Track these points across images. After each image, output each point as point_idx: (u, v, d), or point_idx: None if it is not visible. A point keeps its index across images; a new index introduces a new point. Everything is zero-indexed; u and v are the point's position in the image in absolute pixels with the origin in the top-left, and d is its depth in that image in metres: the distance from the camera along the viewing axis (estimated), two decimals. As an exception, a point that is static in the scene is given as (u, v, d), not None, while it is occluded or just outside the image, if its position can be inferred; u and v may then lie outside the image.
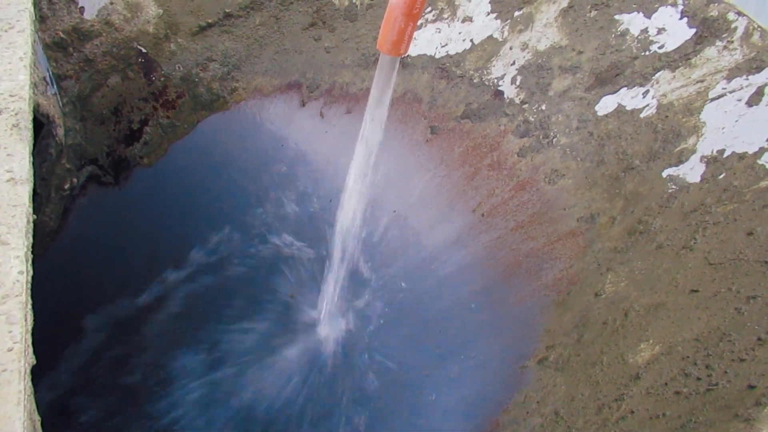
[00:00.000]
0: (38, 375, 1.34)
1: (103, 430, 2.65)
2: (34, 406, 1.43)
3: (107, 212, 3.09)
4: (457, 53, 2.94)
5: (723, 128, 2.28)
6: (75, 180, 3.05)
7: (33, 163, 2.85)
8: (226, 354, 2.85)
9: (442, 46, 2.96)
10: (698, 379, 1.68)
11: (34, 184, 2.90)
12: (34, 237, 2.67)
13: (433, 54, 2.99)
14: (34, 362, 1.31)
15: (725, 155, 2.24)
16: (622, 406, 1.78)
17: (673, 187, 2.32)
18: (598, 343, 2.09)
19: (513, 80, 2.82)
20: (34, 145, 2.88)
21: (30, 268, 1.38)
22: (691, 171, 2.30)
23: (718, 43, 2.38)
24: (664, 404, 1.68)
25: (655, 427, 1.63)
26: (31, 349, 1.24)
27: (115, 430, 2.65)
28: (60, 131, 2.91)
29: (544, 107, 2.73)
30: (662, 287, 2.06)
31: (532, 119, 2.75)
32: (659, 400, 1.71)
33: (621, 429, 1.70)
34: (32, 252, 2.67)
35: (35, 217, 1.54)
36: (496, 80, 2.86)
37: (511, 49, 2.83)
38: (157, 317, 2.98)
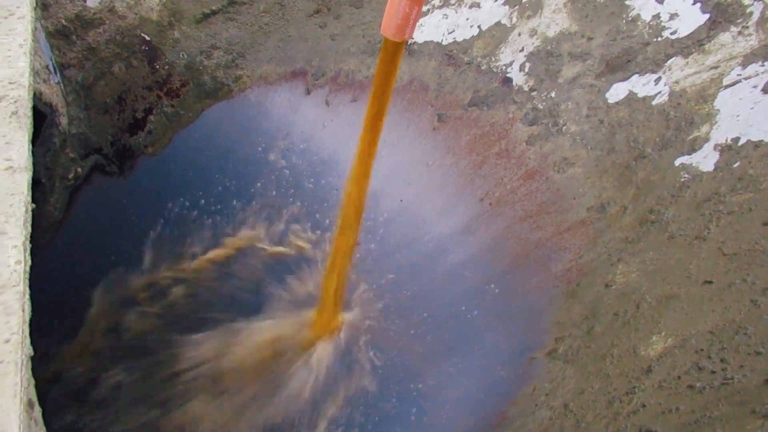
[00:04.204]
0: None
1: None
2: (34, 397, 1.41)
3: (112, 202, 3.08)
4: (464, 40, 2.90)
5: (738, 116, 2.24)
6: (79, 169, 3.04)
7: (36, 152, 2.84)
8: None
9: (449, 33, 2.92)
10: (712, 372, 1.65)
11: (39, 174, 2.90)
12: (36, 227, 2.65)
13: (440, 41, 2.95)
14: (32, 353, 1.29)
15: (740, 143, 2.19)
16: (634, 399, 1.75)
17: (686, 175, 2.27)
18: (609, 335, 2.06)
19: (521, 67, 2.78)
20: (38, 135, 2.88)
21: (28, 258, 1.35)
22: (705, 159, 2.25)
23: (733, 28, 2.33)
24: (677, 398, 1.65)
25: (667, 421, 1.60)
26: (28, 341, 1.22)
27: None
28: (63, 120, 2.89)
29: (553, 94, 2.69)
30: (675, 278, 2.02)
31: (541, 107, 2.70)
32: (672, 394, 1.67)
33: (632, 423, 1.67)
34: (36, 242, 2.65)
35: (34, 206, 1.51)
36: (504, 67, 2.82)
37: (519, 35, 2.78)
38: (162, 306, 2.96)
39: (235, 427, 2.59)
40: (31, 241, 2.87)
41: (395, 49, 1.78)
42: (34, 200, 2.89)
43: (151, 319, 2.92)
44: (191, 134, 3.20)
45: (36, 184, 2.85)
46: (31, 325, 1.31)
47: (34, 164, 2.83)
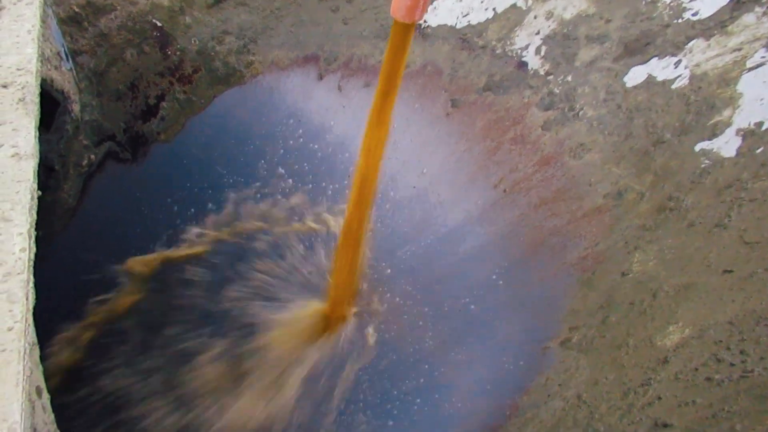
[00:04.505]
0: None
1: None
2: (42, 384, 1.41)
3: (126, 188, 3.08)
4: (479, 23, 2.84)
5: (761, 99, 2.17)
6: (93, 156, 3.04)
7: (49, 140, 2.85)
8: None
9: (464, 16, 2.86)
10: (732, 365, 1.60)
11: (52, 161, 2.90)
12: (50, 214, 2.67)
13: (454, 24, 2.89)
14: (36, 341, 1.29)
15: (764, 128, 2.13)
16: (649, 391, 1.71)
17: (707, 161, 2.21)
18: (624, 324, 2.01)
19: (537, 50, 2.72)
20: (51, 122, 2.88)
21: (33, 246, 1.34)
22: (726, 145, 2.19)
23: (757, 9, 2.27)
24: (694, 391, 1.61)
25: (683, 415, 1.56)
26: (31, 329, 1.21)
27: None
28: (76, 107, 2.89)
29: (569, 79, 2.63)
30: (693, 267, 1.97)
31: (557, 91, 2.64)
32: (689, 386, 1.63)
33: (647, 415, 1.63)
34: (50, 229, 2.66)
35: (40, 193, 1.50)
36: (519, 51, 2.76)
37: (535, 18, 2.72)
38: (175, 291, 2.96)
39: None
40: (45, 228, 2.88)
41: (405, 32, 1.74)
42: (48, 187, 2.91)
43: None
44: (204, 120, 3.19)
45: (50, 172, 2.87)
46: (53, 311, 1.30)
47: (48, 151, 2.85)
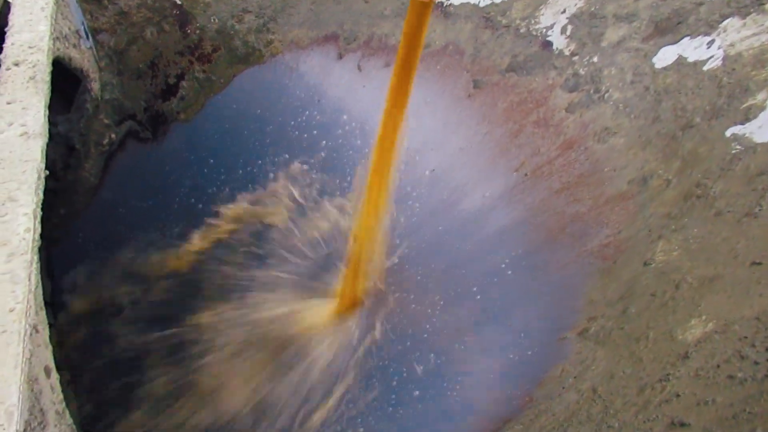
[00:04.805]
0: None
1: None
2: (51, 363, 1.41)
3: (146, 167, 3.09)
4: (502, 1, 2.77)
5: (799, 82, 2.06)
6: (114, 135, 3.05)
7: (70, 119, 2.86)
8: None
9: (487, -6, 2.79)
10: (756, 363, 1.53)
11: (73, 140, 2.91)
12: (72, 192, 2.68)
13: (477, 2, 2.82)
14: (46, 321, 1.29)
15: (800, 112, 2.02)
16: (667, 387, 1.65)
17: (738, 147, 2.11)
18: (645, 316, 1.94)
19: (563, 30, 2.63)
20: (72, 101, 2.89)
21: (38, 226, 1.33)
22: (759, 130, 2.09)
23: (798, -15, 2.14)
24: (714, 389, 1.54)
25: (702, 414, 1.49)
26: (33, 310, 1.20)
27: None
28: (95, 86, 2.89)
29: (596, 59, 2.53)
30: (720, 258, 1.89)
31: (583, 72, 2.55)
32: (709, 384, 1.57)
33: (664, 413, 1.57)
34: (72, 208, 2.67)
35: (47, 172, 1.49)
36: (544, 30, 2.67)
37: (562, -5, 2.63)
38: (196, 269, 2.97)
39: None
40: (67, 207, 2.90)
41: (422, 11, 1.67)
42: (69, 166, 2.92)
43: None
44: (223, 100, 3.17)
45: (71, 151, 2.89)
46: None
47: (69, 130, 2.86)
